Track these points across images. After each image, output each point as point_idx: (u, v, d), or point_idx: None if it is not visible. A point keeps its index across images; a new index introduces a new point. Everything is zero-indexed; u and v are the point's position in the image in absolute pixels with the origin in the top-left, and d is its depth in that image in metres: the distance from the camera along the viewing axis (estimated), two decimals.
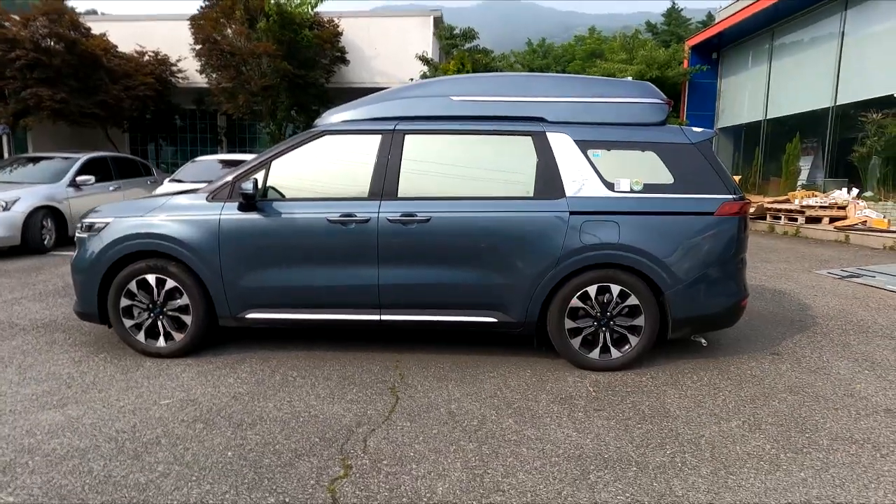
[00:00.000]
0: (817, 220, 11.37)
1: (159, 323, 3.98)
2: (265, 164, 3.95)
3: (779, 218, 12.30)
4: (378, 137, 3.93)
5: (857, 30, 13.20)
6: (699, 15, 33.24)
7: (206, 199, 3.95)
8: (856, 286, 6.46)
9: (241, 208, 3.84)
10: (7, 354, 4.04)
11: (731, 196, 3.77)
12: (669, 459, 2.69)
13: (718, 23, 17.83)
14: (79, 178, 9.38)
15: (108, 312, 3.99)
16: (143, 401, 3.30)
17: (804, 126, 14.73)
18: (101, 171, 10.08)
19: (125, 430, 2.93)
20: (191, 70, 17.12)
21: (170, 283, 3.92)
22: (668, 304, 3.71)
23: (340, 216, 3.79)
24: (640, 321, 3.75)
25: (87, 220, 4.12)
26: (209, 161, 10.16)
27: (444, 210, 3.78)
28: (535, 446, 2.81)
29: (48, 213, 8.73)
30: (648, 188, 3.76)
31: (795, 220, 11.75)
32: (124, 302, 3.96)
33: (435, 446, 2.81)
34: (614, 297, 3.74)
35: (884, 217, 10.56)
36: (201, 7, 16.45)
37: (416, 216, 3.76)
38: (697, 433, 2.95)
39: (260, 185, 3.85)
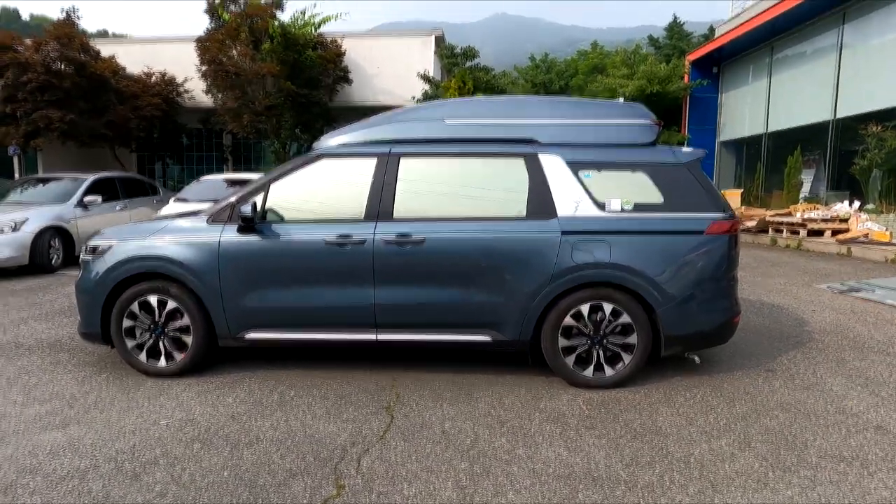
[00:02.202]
0: (819, 232, 11.36)
1: (160, 343, 4.06)
2: (264, 188, 4.04)
3: (781, 231, 12.30)
4: (374, 160, 4.02)
5: (854, 43, 13.29)
6: (701, 28, 33.47)
7: (207, 221, 4.05)
8: (854, 301, 6.46)
9: (241, 230, 3.94)
10: (13, 374, 4.13)
11: (720, 215, 3.82)
12: (658, 478, 2.72)
13: (718, 38, 17.98)
14: (86, 199, 9.56)
15: (111, 333, 4.08)
16: (143, 421, 3.36)
17: (805, 139, 14.78)
18: (109, 190, 10.26)
19: (125, 451, 3.00)
20: (197, 90, 17.41)
21: (171, 304, 4.01)
22: (660, 322, 3.76)
23: (337, 238, 3.87)
24: (632, 339, 3.79)
25: (92, 243, 4.22)
26: (214, 180, 10.33)
27: (438, 231, 3.86)
28: (526, 465, 2.85)
29: (56, 233, 8.90)
30: (639, 208, 3.82)
31: (797, 232, 11.74)
32: (126, 323, 4.05)
33: (427, 465, 2.85)
34: (607, 315, 3.79)
35: (886, 229, 10.55)
36: (207, 29, 16.78)
37: (412, 237, 3.83)
38: (687, 451, 2.98)
39: (259, 207, 3.95)
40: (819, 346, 4.78)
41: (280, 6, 16.28)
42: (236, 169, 20.35)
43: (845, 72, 13.44)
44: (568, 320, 3.81)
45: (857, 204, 11.74)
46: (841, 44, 13.58)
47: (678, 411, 3.48)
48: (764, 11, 14.99)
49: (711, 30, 25.39)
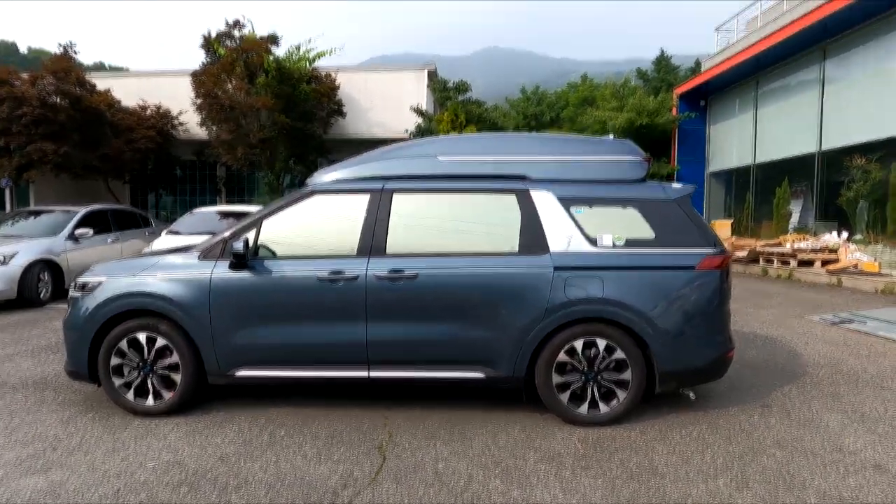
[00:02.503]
0: (809, 263, 11.46)
1: (149, 381, 3.99)
2: (256, 223, 4.04)
3: (772, 261, 12.40)
4: (367, 196, 4.04)
5: (836, 78, 13.65)
6: (688, 62, 34.27)
7: (199, 257, 4.03)
8: (847, 333, 6.48)
9: (233, 267, 3.91)
10: None
11: (711, 250, 3.85)
12: None
13: (705, 72, 18.43)
14: (77, 231, 9.51)
15: (99, 371, 4.00)
16: (129, 463, 3.28)
17: (792, 170, 15.03)
18: (101, 223, 10.23)
19: (108, 496, 2.91)
20: (191, 123, 17.56)
21: (160, 342, 3.96)
22: (654, 358, 3.74)
23: (329, 273, 3.86)
24: (627, 375, 3.77)
25: (81, 280, 4.18)
26: (207, 213, 10.31)
27: (431, 266, 3.85)
28: None
29: (45, 266, 8.82)
30: (631, 243, 3.84)
31: (788, 263, 11.84)
32: (114, 360, 3.98)
33: None
34: (601, 351, 3.77)
35: (874, 260, 10.66)
36: (203, 63, 17.01)
37: (404, 273, 3.83)
38: (685, 492, 2.93)
39: (251, 243, 3.93)
40: (813, 380, 4.76)
41: (275, 41, 16.56)
42: (230, 200, 20.38)
43: (828, 105, 13.77)
44: (562, 356, 3.78)
45: (845, 234, 11.89)
46: (823, 79, 13.95)
47: (674, 449, 3.44)
48: (748, 47, 15.43)
49: (698, 63, 26.00)
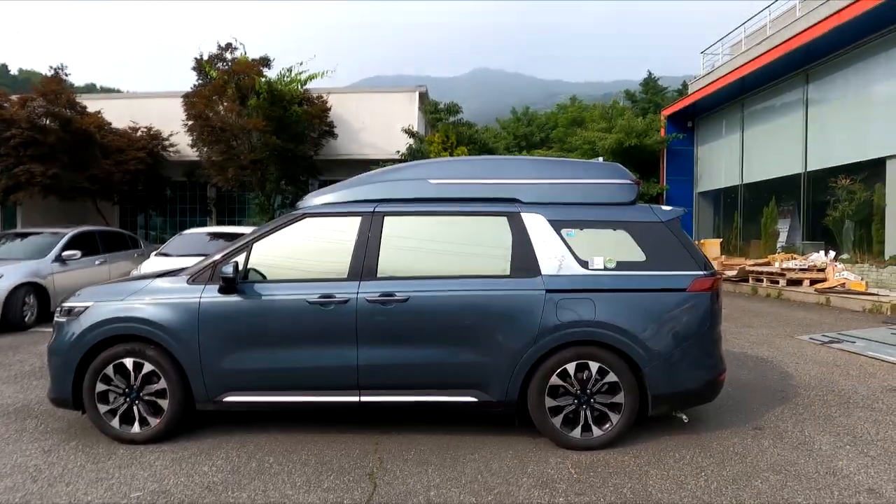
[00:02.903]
0: (798, 282, 11.55)
1: (135, 408, 3.91)
2: (246, 247, 4.01)
3: (761, 280, 12.49)
4: (358, 219, 4.04)
5: (819, 101, 13.94)
6: (675, 83, 34.93)
7: (187, 281, 3.99)
8: (837, 353, 6.50)
9: (222, 291, 3.87)
10: None
11: (702, 272, 3.86)
12: None
13: (691, 94, 18.76)
14: (65, 254, 9.40)
15: (83, 397, 3.92)
16: (113, 494, 3.19)
17: (779, 190, 15.25)
18: (89, 245, 10.12)
19: None
20: (182, 144, 17.56)
21: (147, 367, 3.89)
22: (646, 381, 3.72)
23: (320, 297, 3.83)
24: (619, 398, 3.75)
25: (67, 305, 4.12)
26: (197, 234, 10.26)
27: (422, 289, 3.84)
28: None
29: (31, 289, 8.69)
30: (621, 266, 3.85)
31: (777, 282, 11.93)
32: (100, 387, 3.91)
33: None
34: (593, 374, 3.75)
35: (861, 279, 10.77)
36: (195, 85, 17.07)
37: (395, 296, 3.80)
38: None
39: (241, 267, 3.90)
40: (805, 401, 4.76)
41: (267, 64, 16.68)
42: (220, 221, 20.30)
43: (812, 127, 14.04)
44: (554, 379, 3.76)
45: (832, 254, 12.02)
46: (807, 101, 14.24)
47: (668, 474, 3.40)
48: (733, 71, 15.75)
49: (685, 85, 26.49)
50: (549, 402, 3.77)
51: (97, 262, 10.14)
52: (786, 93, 15.14)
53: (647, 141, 18.52)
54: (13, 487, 3.29)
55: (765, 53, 14.22)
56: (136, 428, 3.91)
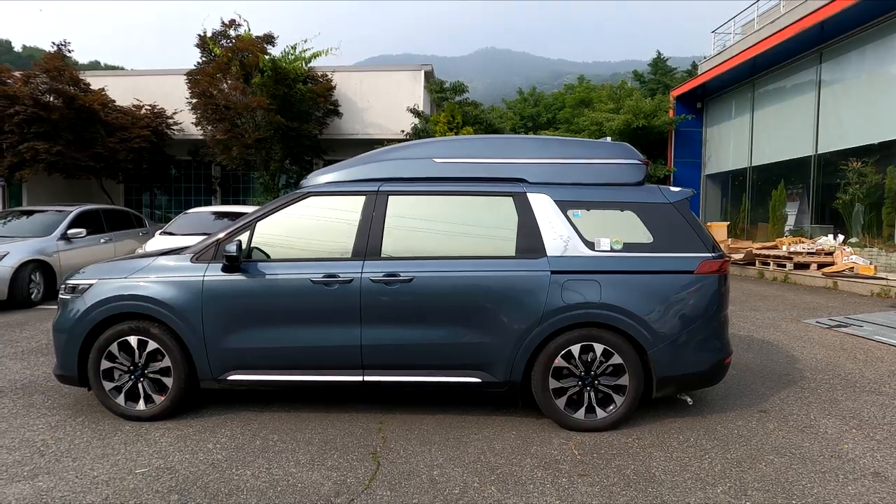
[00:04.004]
0: (805, 265, 11.47)
1: (140, 385, 3.93)
2: (250, 225, 3.99)
3: (768, 264, 12.40)
4: (362, 199, 4.00)
5: (832, 82, 13.68)
6: (684, 64, 34.38)
7: (191, 259, 3.97)
8: (843, 336, 6.46)
9: (226, 269, 3.86)
10: None
11: (710, 254, 3.81)
12: None
13: (701, 75, 18.46)
14: (70, 232, 9.41)
15: (88, 375, 3.94)
16: (119, 469, 3.22)
17: (789, 173, 15.06)
18: (93, 223, 10.13)
19: None
20: (186, 122, 17.46)
21: (151, 345, 3.90)
22: (651, 363, 3.70)
23: (324, 276, 3.81)
24: (624, 380, 3.73)
25: (71, 282, 4.11)
26: (201, 213, 10.23)
27: (426, 269, 3.81)
28: None
29: (37, 266, 8.72)
30: (628, 247, 3.81)
31: (784, 266, 11.84)
32: (105, 364, 3.92)
33: None
34: (598, 356, 3.73)
35: (870, 263, 10.67)
36: (198, 63, 16.90)
37: (399, 276, 3.78)
38: (683, 500, 2.89)
39: (244, 245, 3.89)
40: (811, 384, 4.73)
41: (271, 41, 16.47)
42: (225, 201, 20.27)
43: (825, 109, 13.81)
44: (559, 361, 3.74)
45: (841, 237, 11.90)
46: (819, 82, 13.98)
47: (672, 456, 3.40)
48: (744, 50, 15.45)
49: (694, 65, 26.08)
50: (553, 384, 3.76)
51: (102, 241, 10.15)
52: (798, 73, 14.86)
53: (655, 122, 18.27)
54: (21, 461, 3.32)
55: (778, 32, 13.92)
56: (141, 405, 3.93)
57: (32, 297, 8.56)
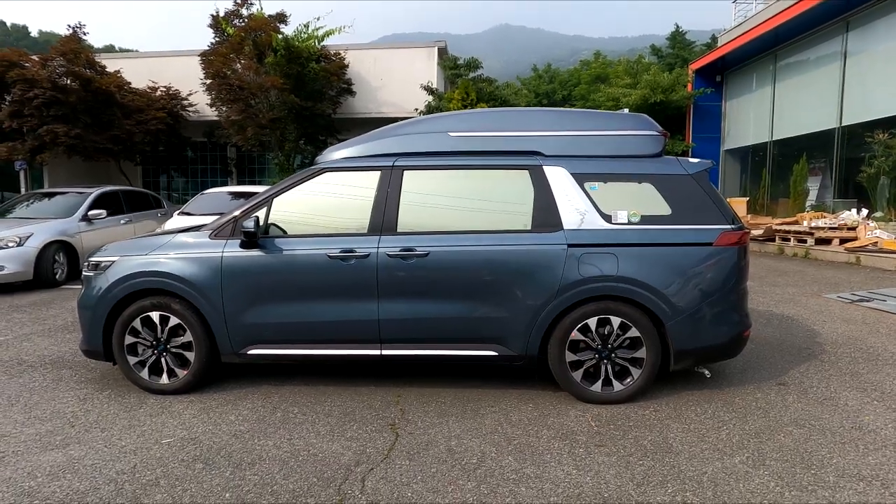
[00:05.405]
0: (827, 241, 11.25)
1: (163, 360, 4.02)
2: (267, 202, 4.02)
3: (788, 239, 12.20)
4: (377, 174, 3.99)
5: (859, 51, 13.25)
6: (703, 37, 33.49)
7: (210, 236, 4.02)
8: (866, 311, 6.37)
9: (244, 245, 3.90)
10: (14, 392, 4.09)
11: (729, 226, 3.76)
12: (670, 498, 2.64)
13: (721, 47, 17.99)
14: (91, 213, 9.57)
15: (113, 349, 4.04)
16: (145, 440, 3.31)
17: (811, 147, 14.71)
18: (113, 204, 10.29)
19: (125, 471, 2.94)
20: (201, 104, 17.52)
21: (173, 321, 3.97)
22: (669, 336, 3.69)
23: (340, 252, 3.83)
24: (641, 353, 3.72)
25: (94, 259, 4.19)
26: (218, 193, 10.32)
27: (442, 244, 3.81)
28: (533, 485, 2.78)
29: (60, 247, 8.90)
30: (646, 220, 3.77)
31: (805, 241, 11.64)
32: (128, 339, 4.01)
33: (433, 486, 2.79)
34: (615, 329, 3.72)
35: (895, 238, 10.43)
36: (212, 43, 16.89)
37: (416, 251, 3.79)
38: (700, 470, 2.90)
39: (262, 222, 3.92)
40: (831, 358, 4.69)
41: (283, 20, 16.38)
42: (241, 181, 20.40)
43: (850, 80, 13.40)
44: (575, 334, 3.74)
45: (864, 212, 11.64)
46: (845, 52, 13.55)
47: (689, 427, 3.40)
48: (767, 20, 15.00)
49: (714, 38, 25.38)
50: (570, 357, 3.76)
51: (122, 222, 10.31)
52: (823, 42, 14.41)
53: (673, 97, 17.91)
54: (53, 431, 3.43)
55: (802, 0, 13.47)
56: (164, 379, 4.02)
57: (57, 276, 8.74)
